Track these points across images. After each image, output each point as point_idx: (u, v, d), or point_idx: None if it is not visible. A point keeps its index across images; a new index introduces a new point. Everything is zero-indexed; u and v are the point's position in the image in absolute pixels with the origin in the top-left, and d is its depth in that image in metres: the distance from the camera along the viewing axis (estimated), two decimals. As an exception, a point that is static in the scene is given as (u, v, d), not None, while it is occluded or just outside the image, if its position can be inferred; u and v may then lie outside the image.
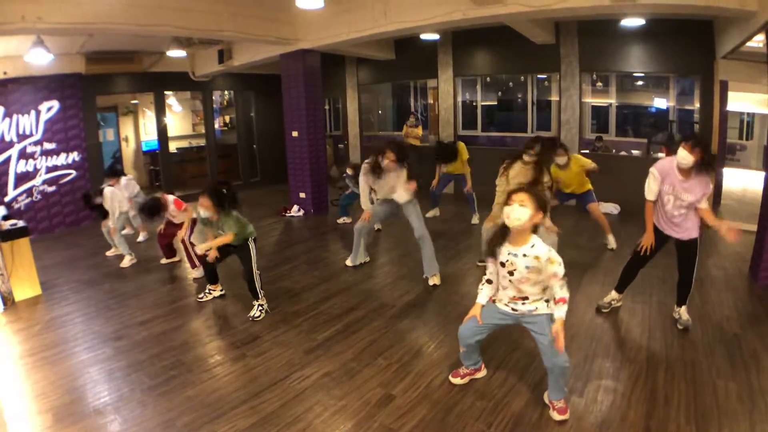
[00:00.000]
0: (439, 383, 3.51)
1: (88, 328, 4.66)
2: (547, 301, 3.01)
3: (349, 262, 6.17)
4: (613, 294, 4.66)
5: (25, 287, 5.54)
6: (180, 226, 6.04)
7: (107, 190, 6.61)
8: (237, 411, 3.25)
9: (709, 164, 3.90)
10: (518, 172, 5.18)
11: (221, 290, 5.33)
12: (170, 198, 6.08)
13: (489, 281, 3.19)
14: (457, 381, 3.50)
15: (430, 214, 8.62)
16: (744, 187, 9.26)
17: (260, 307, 4.83)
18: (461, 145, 7.92)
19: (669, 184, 4.04)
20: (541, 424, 3.01)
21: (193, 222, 5.97)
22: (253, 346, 4.19)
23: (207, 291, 5.27)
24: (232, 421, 3.15)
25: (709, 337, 4.03)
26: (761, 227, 5.37)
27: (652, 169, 4.12)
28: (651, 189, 4.15)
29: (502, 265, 3.02)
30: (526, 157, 5.15)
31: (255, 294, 4.85)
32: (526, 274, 2.94)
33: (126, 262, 6.69)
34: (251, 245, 4.83)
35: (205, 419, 3.17)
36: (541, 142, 5.19)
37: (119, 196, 6.70)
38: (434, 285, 5.40)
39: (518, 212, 2.87)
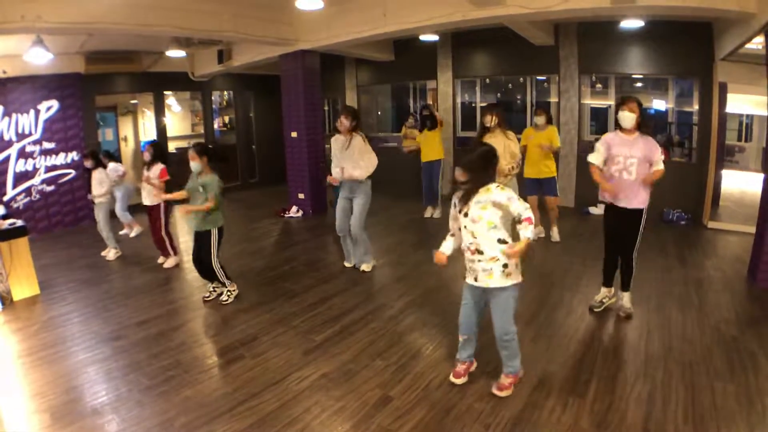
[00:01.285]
0: (437, 384, 3.51)
1: (86, 328, 4.66)
2: (504, 266, 3.13)
3: (347, 263, 6.17)
4: (603, 291, 4.70)
5: (24, 287, 5.54)
6: (157, 214, 6.29)
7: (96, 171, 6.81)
8: (235, 412, 3.25)
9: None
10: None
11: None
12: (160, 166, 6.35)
13: (452, 235, 3.45)
14: (459, 381, 3.52)
15: (428, 214, 8.66)
16: (743, 189, 9.24)
17: (229, 292, 5.10)
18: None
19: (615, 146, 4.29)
20: (539, 425, 3.01)
21: (167, 209, 6.32)
22: (251, 346, 4.18)
23: (212, 289, 5.27)
24: (230, 421, 3.14)
25: (707, 339, 4.03)
26: (760, 229, 5.38)
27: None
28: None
29: (460, 210, 3.23)
30: (487, 125, 5.34)
31: (218, 281, 5.08)
32: (479, 211, 3.13)
33: (111, 255, 6.90)
34: (213, 233, 4.96)
35: (203, 420, 3.17)
36: (493, 109, 5.32)
37: (102, 177, 6.82)
38: (363, 270, 5.96)
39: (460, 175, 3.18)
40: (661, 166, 4.14)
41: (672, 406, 3.14)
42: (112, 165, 7.56)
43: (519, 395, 3.32)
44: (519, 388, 3.39)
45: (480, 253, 3.16)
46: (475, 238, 3.16)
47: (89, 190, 6.90)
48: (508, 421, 3.05)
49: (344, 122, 5.59)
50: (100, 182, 6.75)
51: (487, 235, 3.12)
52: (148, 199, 6.33)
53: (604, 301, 4.68)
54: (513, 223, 3.18)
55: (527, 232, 3.05)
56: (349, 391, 3.47)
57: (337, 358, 3.94)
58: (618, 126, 4.27)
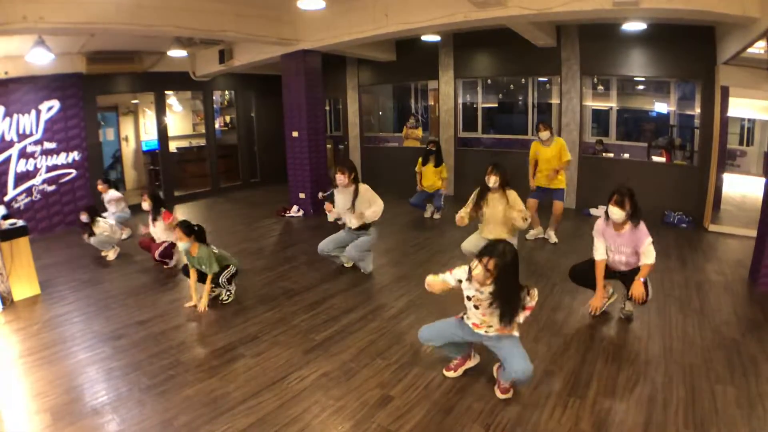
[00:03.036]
0: (437, 384, 3.51)
1: (86, 328, 4.66)
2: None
3: (346, 264, 6.19)
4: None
5: (24, 286, 5.53)
6: (159, 245, 6.30)
7: (103, 223, 6.87)
8: (235, 411, 3.25)
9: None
10: (492, 206, 5.26)
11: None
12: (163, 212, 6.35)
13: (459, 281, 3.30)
14: (450, 374, 3.59)
15: (428, 214, 8.74)
16: (744, 193, 9.27)
17: (228, 292, 5.15)
18: (443, 166, 8.58)
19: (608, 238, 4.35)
20: (539, 426, 3.01)
21: (171, 246, 6.27)
22: (251, 345, 4.18)
23: (227, 292, 5.24)
24: (230, 421, 3.14)
25: (708, 342, 4.02)
26: (761, 233, 5.37)
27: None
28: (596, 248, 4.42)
29: (468, 298, 3.24)
30: (490, 185, 5.27)
31: (216, 284, 5.10)
32: (489, 309, 3.15)
33: (111, 255, 6.91)
34: (230, 269, 5.11)
35: (203, 419, 3.17)
36: (496, 170, 5.23)
37: (112, 228, 6.96)
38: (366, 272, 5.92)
39: (482, 281, 3.08)
40: (649, 261, 4.10)
41: (672, 408, 3.14)
42: (111, 193, 7.60)
43: (519, 396, 3.31)
44: (518, 389, 3.38)
45: (489, 326, 3.25)
46: (485, 317, 3.23)
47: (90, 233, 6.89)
48: (508, 422, 3.05)
49: (341, 178, 5.64)
50: (101, 241, 6.83)
51: (497, 317, 3.17)
52: (158, 235, 6.37)
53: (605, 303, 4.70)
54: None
55: (521, 318, 3.17)
56: (349, 390, 3.47)
57: (337, 358, 3.94)
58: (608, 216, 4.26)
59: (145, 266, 6.50)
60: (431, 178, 8.44)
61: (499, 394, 3.32)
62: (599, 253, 4.35)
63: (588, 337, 4.19)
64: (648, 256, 4.10)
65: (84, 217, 6.82)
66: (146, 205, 6.35)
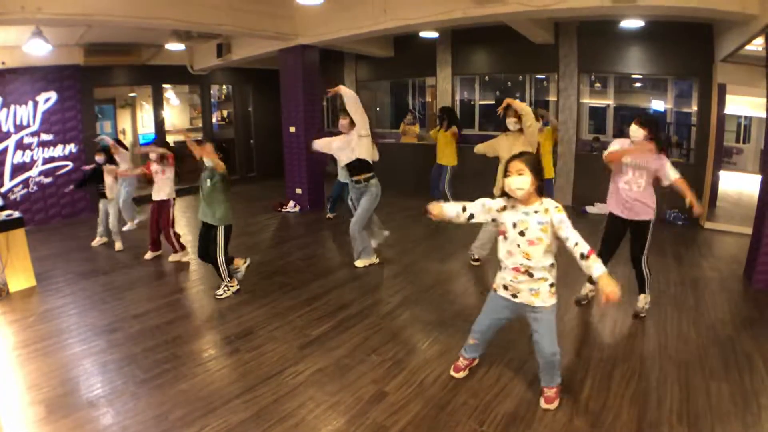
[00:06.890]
0: (432, 380, 3.51)
1: (82, 321, 4.65)
2: (551, 285, 3.00)
3: (359, 263, 6.01)
4: (588, 286, 4.77)
5: (20, 278, 5.52)
6: (166, 210, 6.27)
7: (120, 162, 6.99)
8: (230, 405, 3.25)
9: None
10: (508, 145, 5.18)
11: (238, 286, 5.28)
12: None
13: (464, 209, 3.11)
14: (459, 375, 3.53)
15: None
16: (740, 191, 9.27)
17: (226, 287, 5.09)
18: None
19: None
20: (533, 422, 3.01)
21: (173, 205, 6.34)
22: (246, 340, 4.18)
23: (225, 287, 5.13)
24: (224, 415, 3.14)
25: (702, 339, 4.04)
26: (756, 230, 5.39)
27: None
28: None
29: (513, 226, 2.97)
30: (510, 126, 5.27)
31: (219, 276, 5.08)
32: (539, 233, 2.90)
33: (96, 242, 7.16)
34: (220, 231, 4.97)
35: (197, 413, 3.16)
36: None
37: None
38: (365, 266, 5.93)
39: (519, 182, 2.87)
40: (677, 175, 4.15)
41: (667, 405, 3.15)
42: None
43: (513, 392, 3.32)
44: (513, 386, 3.39)
45: (529, 275, 2.97)
46: (530, 260, 2.94)
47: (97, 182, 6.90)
48: (502, 418, 3.06)
49: (345, 123, 5.76)
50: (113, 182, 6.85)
51: (542, 259, 2.94)
52: (159, 194, 6.26)
53: (589, 295, 4.77)
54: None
55: (599, 266, 2.77)
56: (344, 386, 3.47)
57: (332, 353, 3.94)
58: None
59: (141, 260, 6.49)
60: (445, 145, 8.47)
61: (544, 405, 3.16)
62: (610, 149, 4.38)
63: (583, 334, 4.20)
64: (674, 172, 4.15)
65: (99, 158, 6.89)
66: (154, 155, 6.29)
